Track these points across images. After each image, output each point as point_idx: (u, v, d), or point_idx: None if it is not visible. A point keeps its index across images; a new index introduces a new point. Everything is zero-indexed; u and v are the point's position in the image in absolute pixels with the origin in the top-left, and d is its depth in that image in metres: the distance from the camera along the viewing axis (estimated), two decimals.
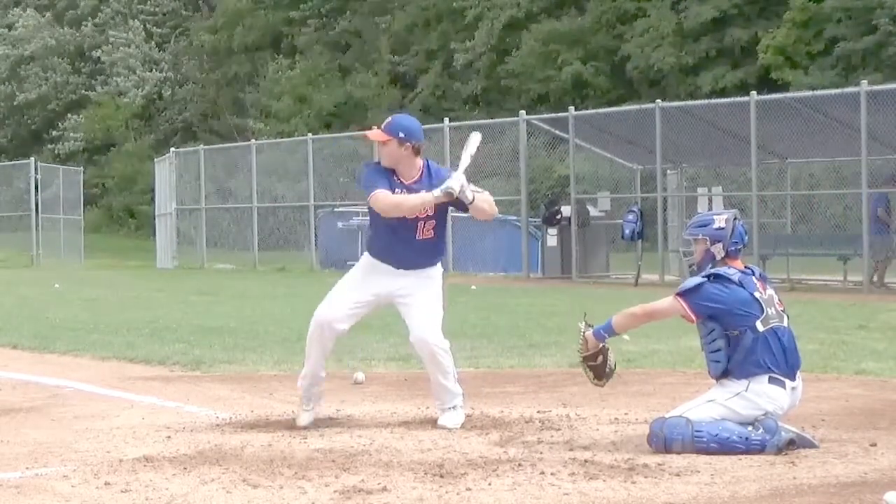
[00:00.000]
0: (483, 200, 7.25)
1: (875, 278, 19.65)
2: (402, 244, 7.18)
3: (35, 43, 57.31)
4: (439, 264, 7.39)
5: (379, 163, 7.32)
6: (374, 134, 7.29)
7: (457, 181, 7.08)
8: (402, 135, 7.18)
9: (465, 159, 7.29)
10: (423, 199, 7.11)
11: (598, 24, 42.86)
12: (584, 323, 6.83)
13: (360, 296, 7.27)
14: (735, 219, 6.64)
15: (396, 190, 7.18)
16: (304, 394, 7.40)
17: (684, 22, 39.68)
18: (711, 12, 38.88)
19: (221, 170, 32.95)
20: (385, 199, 7.10)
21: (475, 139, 7.44)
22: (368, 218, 7.55)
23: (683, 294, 6.45)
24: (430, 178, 7.23)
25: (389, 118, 7.38)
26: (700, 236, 6.65)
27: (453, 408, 7.29)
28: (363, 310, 7.32)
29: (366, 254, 7.41)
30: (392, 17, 48.95)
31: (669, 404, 7.01)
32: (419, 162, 7.27)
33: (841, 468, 5.91)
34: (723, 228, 6.59)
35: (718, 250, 6.59)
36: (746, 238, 6.68)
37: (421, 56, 48.19)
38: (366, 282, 7.29)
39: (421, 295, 7.20)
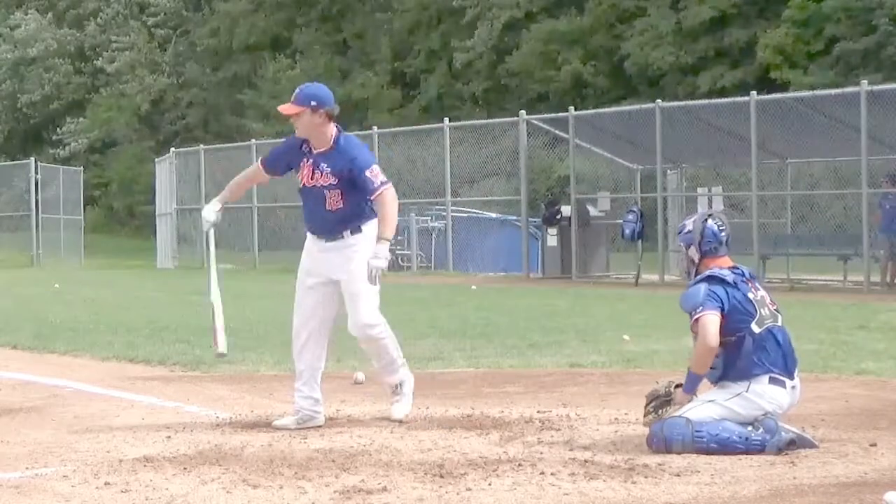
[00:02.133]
0: (385, 223, 7.20)
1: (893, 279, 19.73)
2: (316, 214, 7.28)
3: (37, 46, 57.33)
4: (368, 229, 7.23)
5: (292, 138, 7.37)
6: (286, 108, 7.28)
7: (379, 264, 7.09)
8: (313, 103, 7.18)
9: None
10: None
11: (598, 23, 42.88)
12: (667, 386, 6.63)
13: (309, 301, 7.40)
14: (704, 220, 6.68)
15: (305, 159, 7.22)
16: (294, 406, 7.45)
17: (683, 21, 39.69)
18: (710, 12, 38.90)
19: (221, 170, 32.92)
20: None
21: None
22: None
23: (703, 307, 6.40)
24: (339, 148, 7.21)
25: (298, 89, 7.34)
26: (680, 243, 6.76)
27: (398, 396, 7.35)
28: (319, 310, 7.38)
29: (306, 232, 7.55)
30: (392, 14, 48.88)
31: None
32: (332, 129, 7.25)
33: (841, 468, 5.91)
34: (690, 231, 6.65)
35: (693, 253, 6.65)
36: (722, 236, 6.65)
37: (422, 56, 48.19)
38: (302, 283, 7.43)
39: (349, 280, 7.23)
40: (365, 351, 7.57)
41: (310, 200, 7.28)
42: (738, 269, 6.61)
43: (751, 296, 6.48)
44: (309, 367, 7.41)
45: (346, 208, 7.20)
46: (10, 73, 58.26)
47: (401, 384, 7.45)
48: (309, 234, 7.44)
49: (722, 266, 6.58)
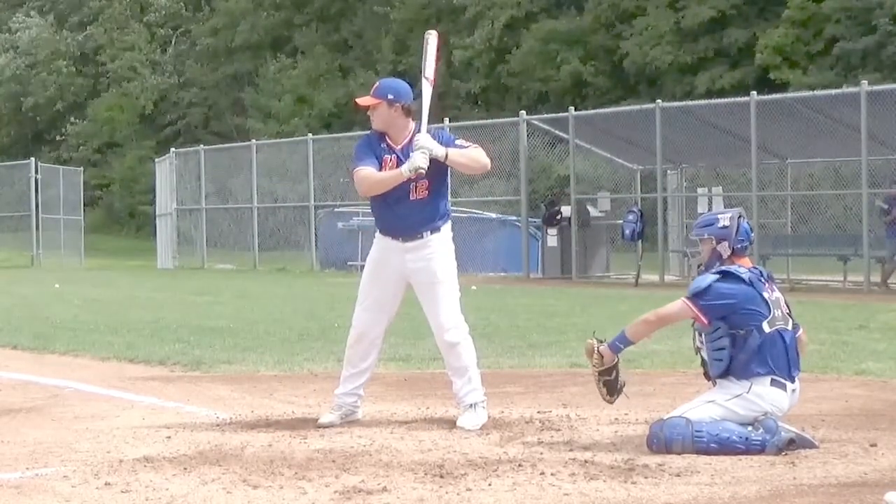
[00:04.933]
0: (460, 155, 7.19)
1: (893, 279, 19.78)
2: (397, 207, 7.17)
3: (41, 51, 57.32)
4: (446, 230, 7.31)
5: (370, 135, 7.34)
6: (363, 99, 7.30)
7: (421, 157, 7.01)
8: (390, 97, 7.20)
9: (426, 102, 7.23)
10: (396, 177, 7.12)
11: (597, 23, 42.90)
12: (595, 339, 6.74)
13: (377, 294, 7.29)
14: (740, 217, 6.69)
15: (386, 157, 7.17)
16: (337, 401, 7.39)
17: (682, 21, 39.69)
18: (710, 12, 38.90)
19: (221, 170, 32.96)
20: (364, 178, 7.16)
21: (433, 40, 7.38)
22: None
23: (693, 297, 6.44)
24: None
25: (377, 83, 7.40)
26: (706, 236, 6.69)
27: (472, 406, 7.22)
28: (389, 307, 7.33)
29: (376, 233, 7.43)
30: (391, 8, 48.81)
31: (669, 404, 7.01)
32: (410, 124, 7.24)
33: (841, 468, 5.91)
34: (727, 227, 6.63)
35: (724, 248, 6.62)
36: (752, 235, 6.72)
37: (420, 55, 48.18)
38: (377, 277, 7.30)
39: (428, 282, 7.21)
40: (444, 361, 7.41)
41: (390, 197, 7.17)
42: (756, 269, 6.62)
43: (766, 295, 6.47)
44: (363, 361, 7.37)
45: (430, 197, 7.18)
46: (14, 77, 58.25)
47: (474, 405, 7.21)
48: (383, 238, 7.31)
49: (743, 266, 6.58)
